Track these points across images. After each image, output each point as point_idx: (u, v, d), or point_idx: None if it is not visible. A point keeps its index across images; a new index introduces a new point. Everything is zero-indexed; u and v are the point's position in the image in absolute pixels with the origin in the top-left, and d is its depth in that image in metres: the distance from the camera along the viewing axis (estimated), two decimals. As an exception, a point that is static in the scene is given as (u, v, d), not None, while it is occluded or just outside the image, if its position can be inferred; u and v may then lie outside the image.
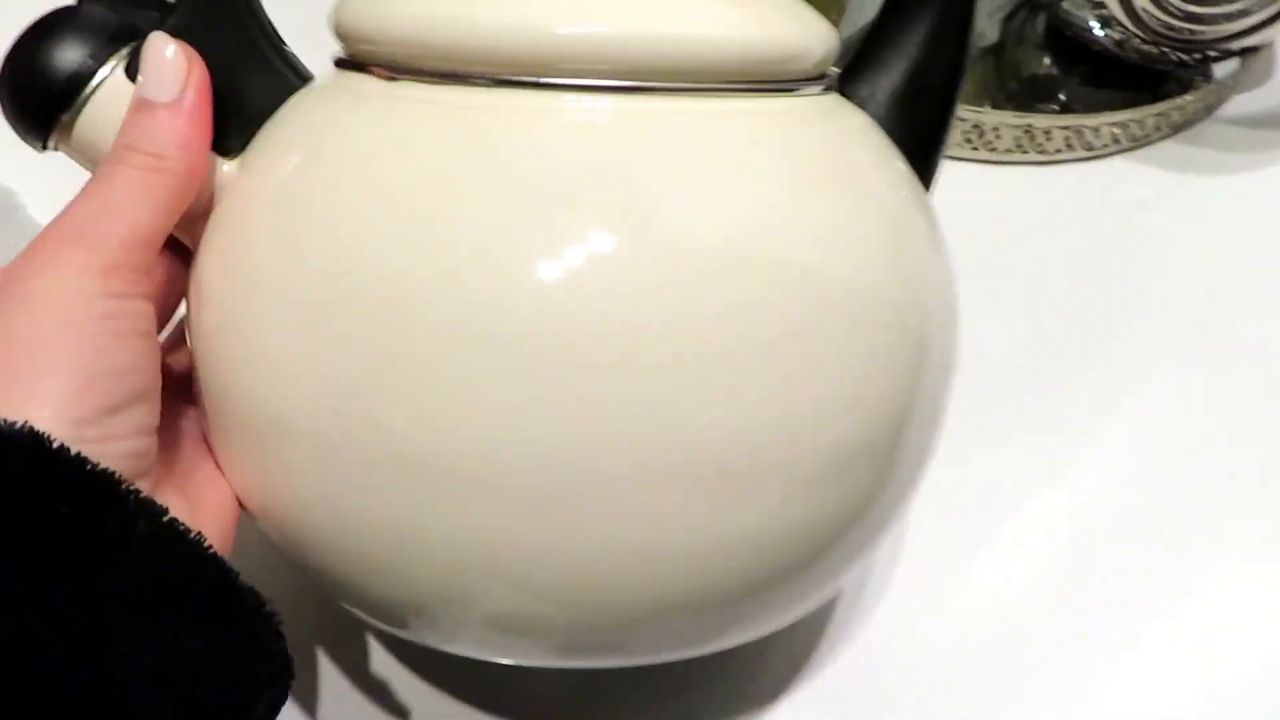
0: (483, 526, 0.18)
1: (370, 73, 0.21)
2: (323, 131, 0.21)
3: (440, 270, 0.18)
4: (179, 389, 0.22)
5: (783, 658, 0.29)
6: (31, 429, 0.17)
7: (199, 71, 0.21)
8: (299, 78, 0.23)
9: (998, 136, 0.41)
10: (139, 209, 0.20)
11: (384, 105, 0.20)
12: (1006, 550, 0.31)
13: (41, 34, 0.22)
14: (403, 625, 0.22)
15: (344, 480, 0.19)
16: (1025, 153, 0.42)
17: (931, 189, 0.25)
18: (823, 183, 0.20)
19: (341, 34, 0.22)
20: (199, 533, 0.18)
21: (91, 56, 0.21)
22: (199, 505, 0.21)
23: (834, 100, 0.23)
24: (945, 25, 0.24)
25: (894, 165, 0.23)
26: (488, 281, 0.18)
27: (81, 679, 0.16)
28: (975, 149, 0.42)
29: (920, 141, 0.24)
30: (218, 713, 0.18)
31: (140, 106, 0.21)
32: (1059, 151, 0.42)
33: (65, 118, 0.21)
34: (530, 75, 0.19)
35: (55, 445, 0.17)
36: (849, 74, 0.24)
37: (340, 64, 0.22)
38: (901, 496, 0.22)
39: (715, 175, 0.19)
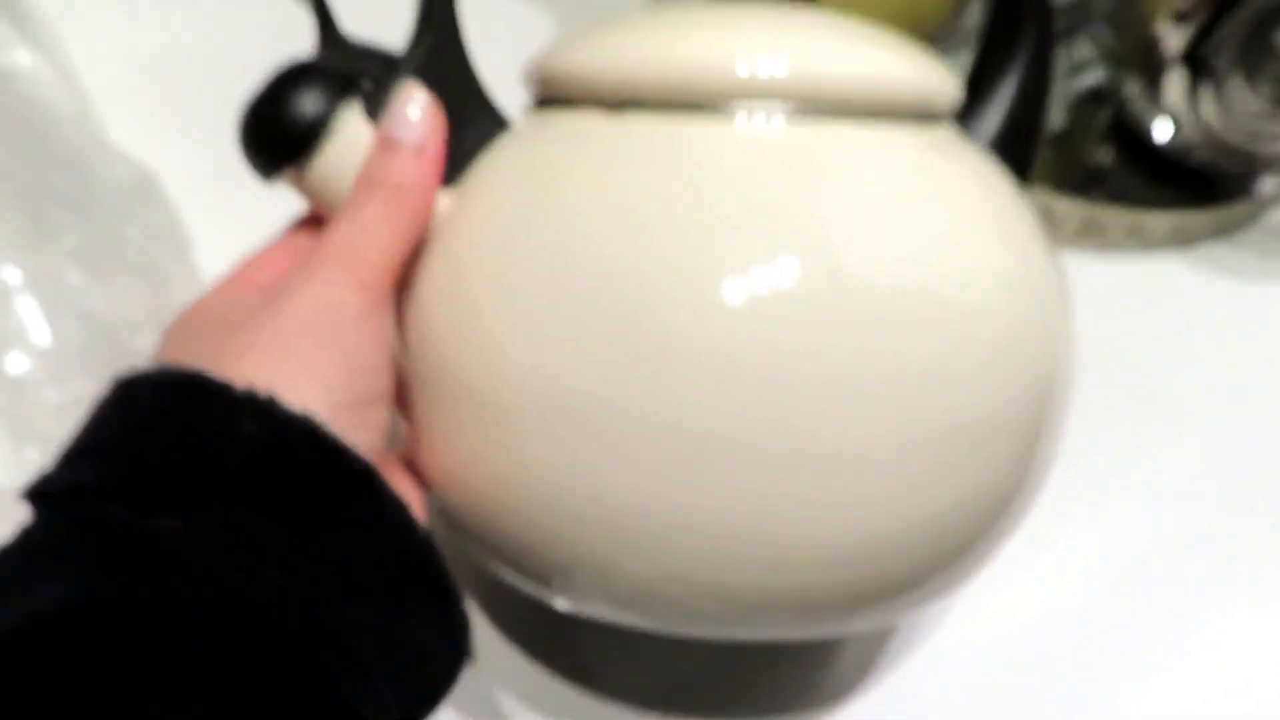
0: (688, 495, 0.21)
1: (583, 108, 0.24)
2: (551, 160, 0.23)
3: (655, 276, 0.21)
4: None
5: (851, 663, 0.32)
6: (311, 420, 0.19)
7: (440, 120, 0.24)
8: (500, 119, 0.26)
9: (1064, 222, 0.44)
10: (385, 236, 0.23)
11: (604, 137, 0.23)
12: (1041, 585, 0.34)
13: (286, 83, 0.24)
14: (568, 589, 0.24)
15: (566, 453, 0.21)
16: (1086, 239, 0.45)
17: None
18: (975, 206, 0.24)
19: (549, 77, 0.25)
20: (427, 528, 0.21)
21: (330, 104, 0.24)
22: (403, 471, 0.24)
23: (961, 134, 0.26)
24: (1032, 79, 0.28)
25: (1017, 193, 0.26)
26: (695, 286, 0.21)
27: (319, 637, 0.18)
28: (1040, 231, 0.44)
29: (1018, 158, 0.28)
30: (430, 681, 0.20)
31: (388, 146, 0.23)
32: (1117, 242, 0.45)
33: (303, 159, 0.24)
34: (721, 104, 0.23)
35: (330, 436, 0.20)
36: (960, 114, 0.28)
37: (545, 103, 0.25)
38: (1030, 499, 0.25)
39: (884, 195, 0.22)
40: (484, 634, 0.31)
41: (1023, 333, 0.23)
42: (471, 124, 0.25)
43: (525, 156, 0.24)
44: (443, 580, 0.21)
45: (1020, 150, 0.28)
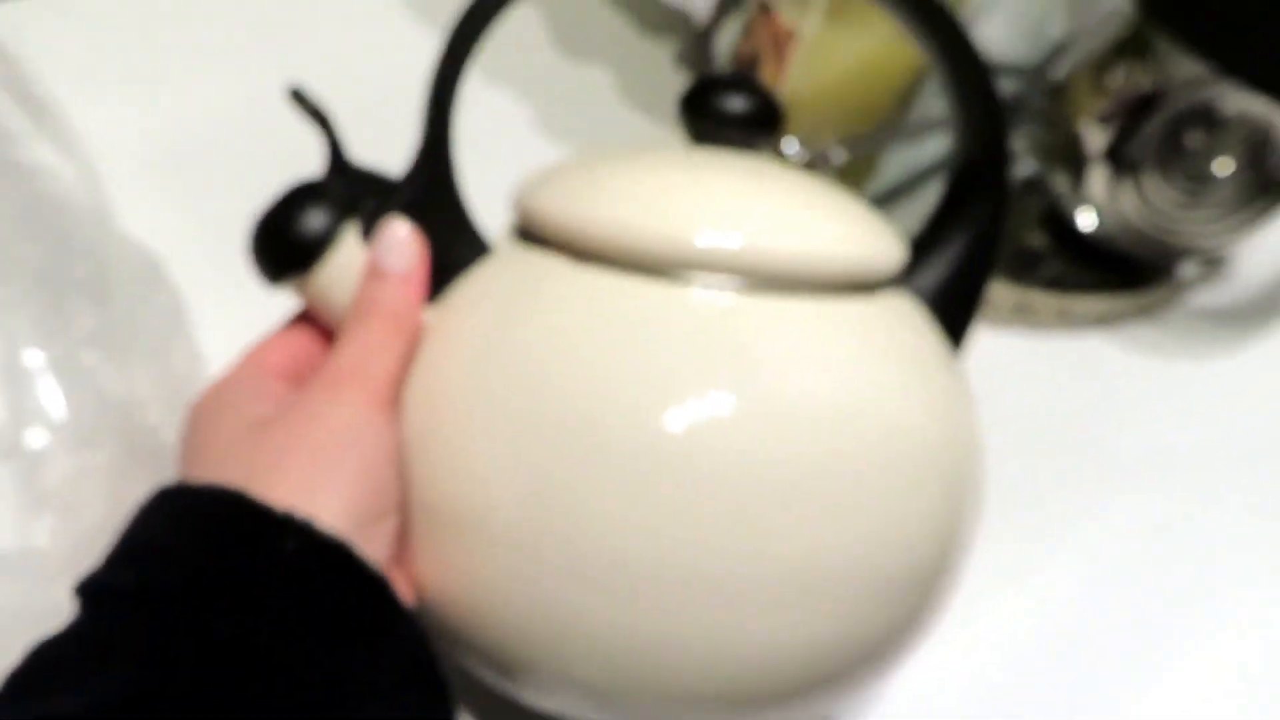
0: (627, 614, 0.24)
1: (553, 250, 0.27)
2: (518, 296, 0.26)
3: (605, 410, 0.24)
4: None
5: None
6: (344, 543, 0.22)
7: (424, 250, 0.27)
8: (483, 245, 0.29)
9: (997, 304, 0.48)
10: (388, 358, 0.25)
11: (567, 284, 0.26)
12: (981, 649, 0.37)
13: (295, 202, 0.27)
14: (530, 687, 0.26)
15: (524, 571, 0.24)
16: (1018, 320, 0.48)
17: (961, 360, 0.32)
18: (899, 364, 0.27)
19: (527, 213, 0.28)
20: (427, 633, 0.23)
21: (333, 224, 0.27)
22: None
23: (902, 295, 0.29)
24: (981, 242, 0.31)
25: (945, 348, 0.29)
26: (638, 421, 0.24)
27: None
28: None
29: (953, 322, 0.31)
30: None
31: (379, 274, 0.26)
32: (1047, 324, 0.49)
33: (306, 271, 0.27)
34: (676, 271, 0.25)
35: (358, 557, 0.22)
36: (908, 269, 0.30)
37: (523, 235, 0.28)
38: (941, 607, 0.28)
39: (815, 365, 0.25)
40: None
41: (934, 484, 0.26)
42: (455, 246, 0.28)
43: (497, 288, 0.27)
44: (440, 681, 0.24)
45: (959, 311, 0.31)
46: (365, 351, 0.25)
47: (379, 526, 0.24)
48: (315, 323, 0.28)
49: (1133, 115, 0.45)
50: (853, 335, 0.26)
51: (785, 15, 0.46)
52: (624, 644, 0.24)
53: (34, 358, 0.30)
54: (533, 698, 0.27)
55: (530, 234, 0.28)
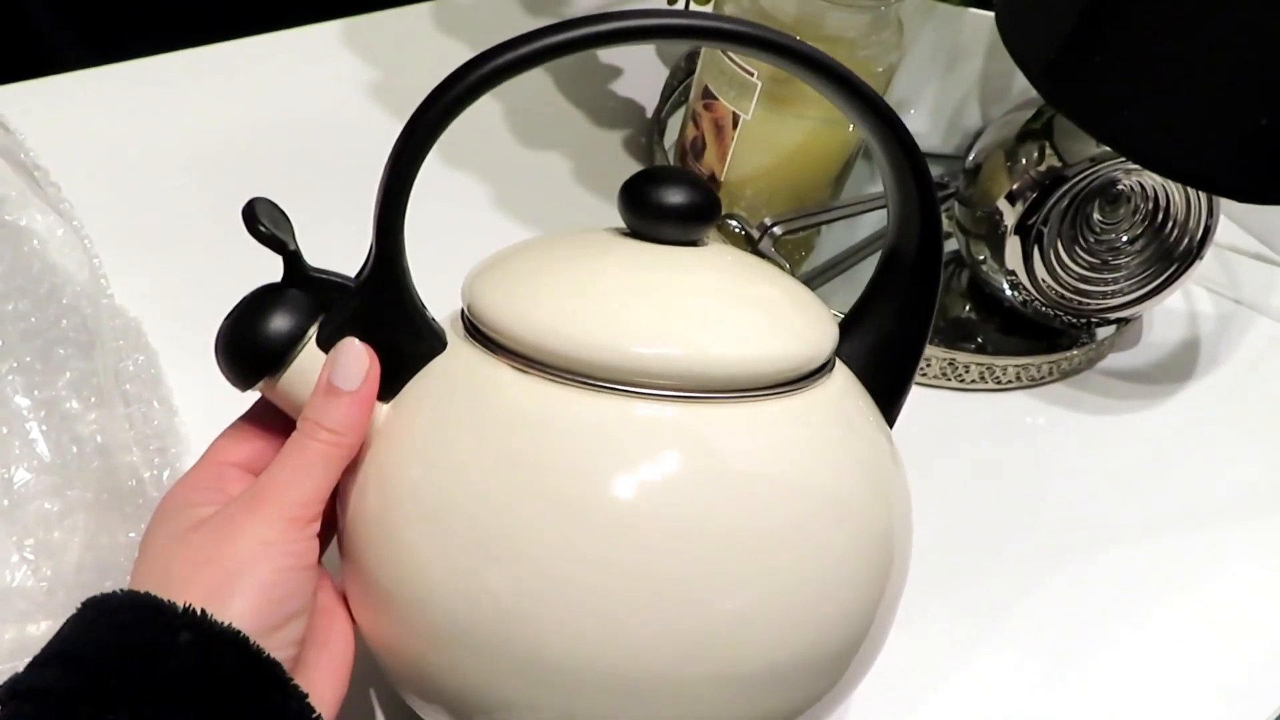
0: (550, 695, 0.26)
1: (498, 355, 0.28)
2: (464, 401, 0.28)
3: (544, 515, 0.26)
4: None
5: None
6: (236, 630, 0.25)
7: (374, 368, 0.28)
8: (438, 339, 0.29)
9: (928, 365, 0.51)
10: (317, 474, 0.27)
11: (510, 397, 0.27)
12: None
13: (258, 310, 0.28)
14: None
15: (458, 647, 0.27)
16: (948, 380, 0.52)
17: (894, 425, 0.34)
18: (831, 449, 0.29)
19: (476, 313, 0.29)
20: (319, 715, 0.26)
21: (297, 330, 0.28)
22: (327, 648, 0.29)
23: (833, 378, 0.31)
24: (912, 313, 0.34)
25: (874, 422, 0.32)
26: (580, 526, 0.26)
27: None
28: (909, 372, 0.51)
29: (888, 388, 0.34)
30: None
31: (328, 391, 0.28)
32: (974, 382, 0.52)
33: (275, 373, 0.28)
34: (616, 382, 0.27)
35: (249, 641, 0.25)
36: (842, 334, 0.33)
37: (471, 330, 0.29)
38: (865, 670, 0.31)
39: (748, 463, 0.27)
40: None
41: (872, 533, 0.29)
42: (409, 343, 0.29)
43: (444, 396, 0.28)
44: None
45: (893, 379, 0.34)
46: (294, 472, 0.27)
47: (286, 629, 0.26)
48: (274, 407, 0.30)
49: (1040, 192, 0.49)
50: (783, 434, 0.28)
51: (726, 103, 0.50)
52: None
53: (22, 402, 0.32)
54: None
55: (478, 331, 0.29)
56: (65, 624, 0.26)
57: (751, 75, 0.48)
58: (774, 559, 0.27)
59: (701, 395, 0.27)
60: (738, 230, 0.53)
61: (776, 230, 0.52)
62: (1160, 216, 0.50)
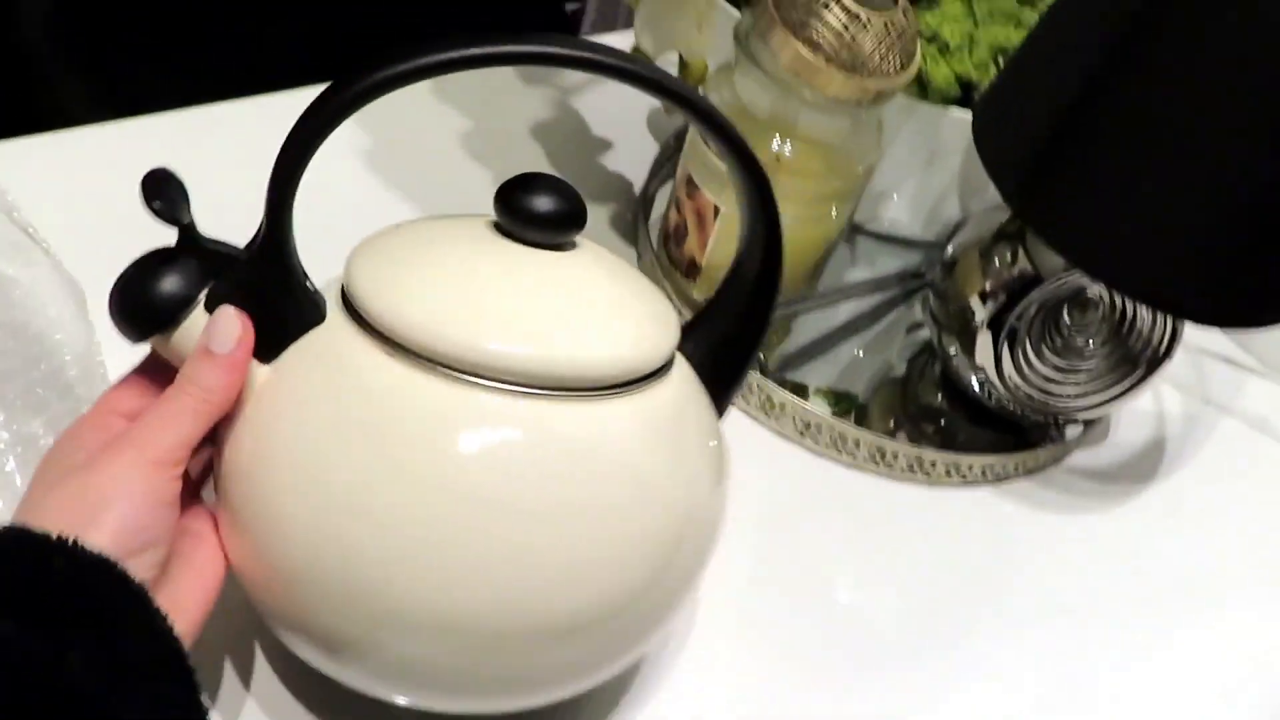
0: (386, 639, 0.32)
1: (369, 335, 0.31)
2: (333, 372, 0.32)
3: (391, 480, 0.30)
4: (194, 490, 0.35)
5: None
6: (102, 554, 0.28)
7: (248, 336, 0.31)
8: (317, 311, 0.33)
9: (895, 459, 0.52)
10: (184, 426, 0.31)
11: (373, 371, 0.31)
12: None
13: (153, 267, 0.31)
14: (329, 667, 0.34)
15: (313, 587, 0.31)
16: (915, 474, 0.53)
17: (724, 417, 0.39)
18: (647, 445, 0.33)
19: (354, 292, 0.32)
20: (178, 636, 0.29)
21: (189, 291, 0.31)
22: (194, 567, 0.32)
23: (671, 375, 0.35)
24: (751, 317, 0.38)
25: (700, 423, 0.36)
26: (419, 493, 0.30)
27: (101, 699, 0.27)
28: (878, 466, 0.52)
29: (724, 379, 0.38)
30: None
31: (203, 354, 0.31)
32: (941, 478, 0.53)
33: (168, 330, 0.31)
34: (468, 373, 0.31)
35: (112, 562, 0.28)
36: (686, 330, 0.37)
37: (347, 306, 0.32)
38: (655, 629, 0.35)
39: (571, 450, 0.32)
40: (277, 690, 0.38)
41: (685, 514, 0.34)
42: (290, 312, 0.32)
43: (320, 363, 0.32)
44: (189, 671, 0.29)
45: (729, 376, 0.38)
46: (162, 421, 0.31)
47: (144, 556, 0.30)
48: (161, 361, 0.33)
49: (1012, 293, 0.51)
50: (607, 430, 0.32)
51: (708, 193, 0.51)
52: (385, 655, 0.32)
53: (1, 436, 0.36)
54: (332, 672, 0.34)
55: (352, 309, 0.32)
56: None
57: (732, 170, 0.50)
58: (579, 531, 0.31)
59: (541, 391, 0.31)
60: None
61: (753, 319, 0.53)
62: (1126, 325, 0.52)
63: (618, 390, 0.33)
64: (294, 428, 0.31)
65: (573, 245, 0.35)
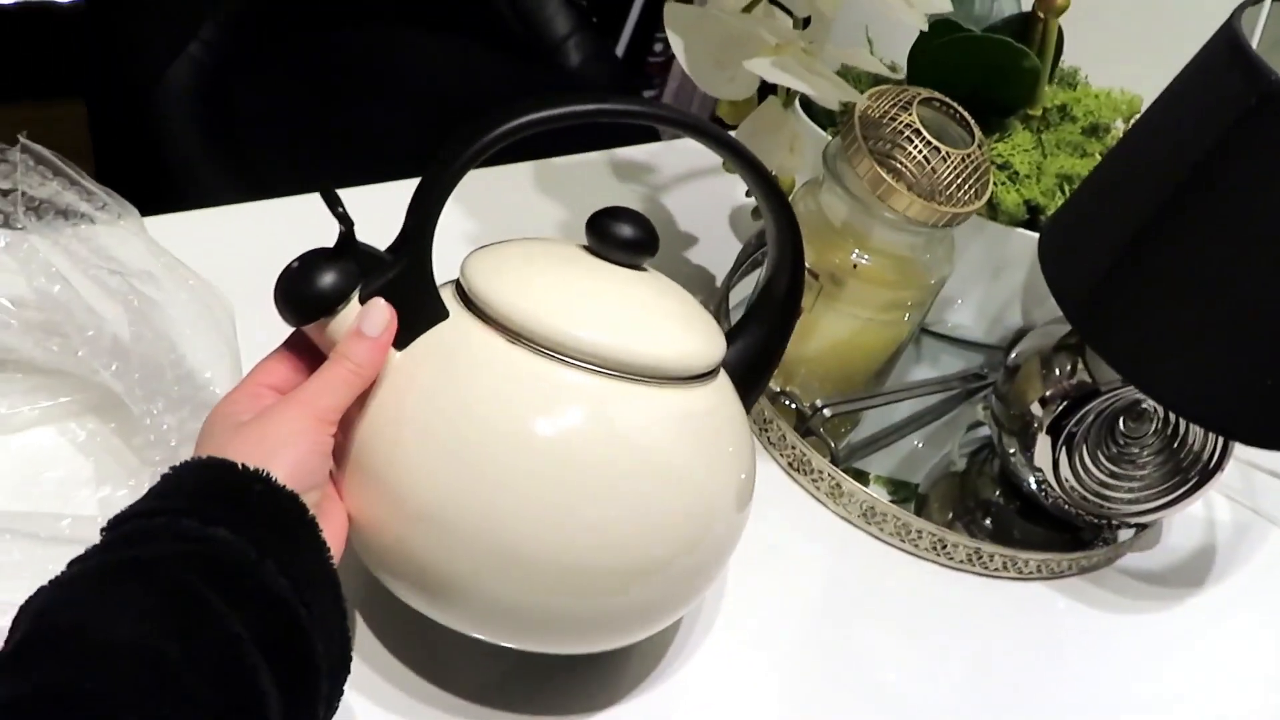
0: (504, 566, 0.38)
1: (486, 323, 0.39)
2: (458, 359, 0.39)
3: (496, 439, 0.37)
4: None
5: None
6: (290, 489, 0.35)
7: (393, 324, 0.38)
8: (443, 309, 0.39)
9: (955, 550, 0.56)
10: (340, 391, 0.37)
11: (491, 356, 0.38)
12: None
13: (317, 264, 0.38)
14: (429, 605, 0.40)
15: (429, 527, 0.38)
16: (973, 565, 0.56)
17: (750, 412, 0.46)
18: (689, 432, 0.40)
19: (473, 290, 0.39)
20: (334, 567, 0.36)
21: (348, 287, 0.38)
22: (330, 520, 0.38)
23: (716, 381, 0.42)
24: (776, 331, 0.47)
25: (732, 421, 0.42)
26: (516, 450, 0.37)
27: (291, 594, 0.33)
28: (938, 555, 0.56)
29: (752, 382, 0.46)
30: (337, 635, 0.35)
31: (358, 335, 0.37)
32: (998, 570, 0.56)
33: (325, 320, 0.38)
34: (562, 354, 0.38)
35: (298, 497, 0.35)
36: (728, 342, 0.44)
37: (466, 301, 0.40)
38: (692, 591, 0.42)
39: (630, 425, 0.39)
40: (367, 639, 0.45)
41: (709, 501, 0.40)
42: (423, 308, 0.39)
43: (448, 349, 0.39)
44: (339, 591, 0.36)
45: (755, 378, 0.46)
46: (323, 386, 0.37)
47: (309, 495, 0.36)
48: (305, 343, 0.39)
49: (1071, 401, 0.54)
50: (659, 413, 0.39)
51: (789, 294, 0.56)
52: (496, 590, 0.38)
53: (184, 453, 0.42)
54: (436, 613, 0.40)
55: (473, 306, 0.40)
56: (151, 487, 0.34)
57: (816, 278, 0.54)
58: (637, 487, 0.38)
59: (617, 374, 0.39)
60: (790, 406, 0.58)
61: (826, 412, 0.57)
62: (1178, 438, 0.55)
63: (676, 382, 0.40)
64: (425, 401, 0.38)
65: (645, 269, 0.43)
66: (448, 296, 0.40)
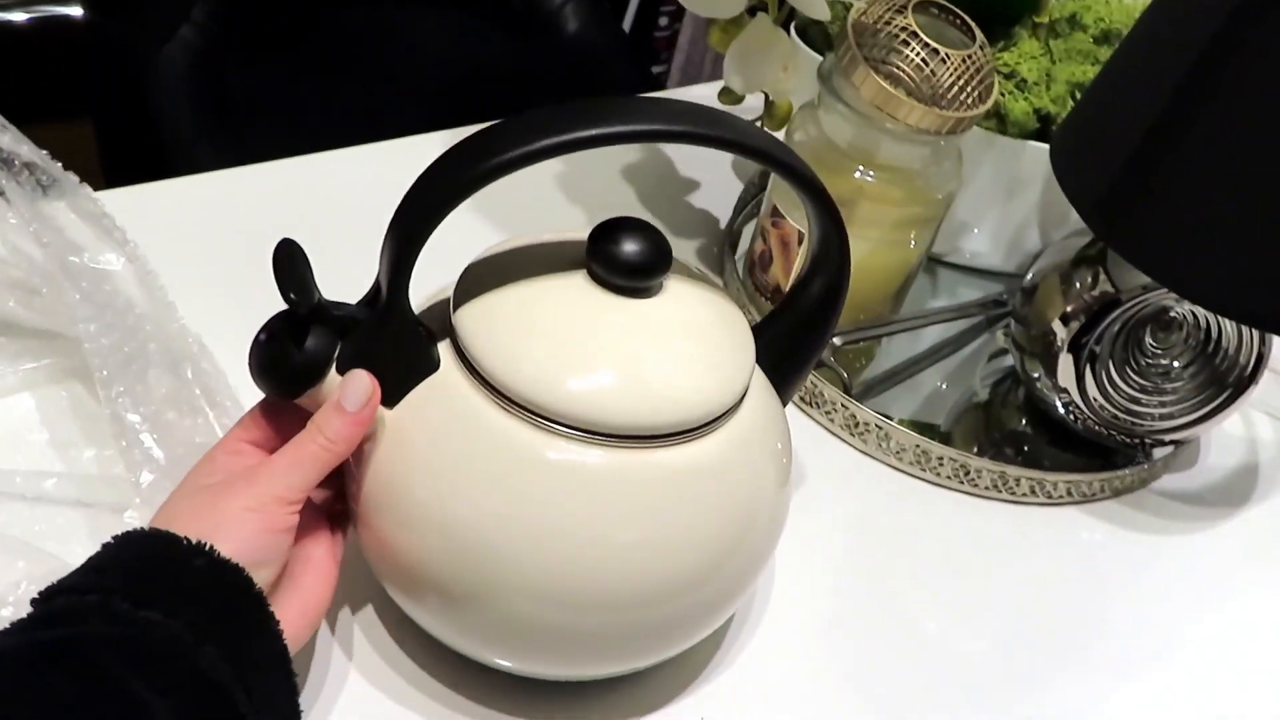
0: (518, 612, 0.36)
1: (477, 383, 0.36)
2: (450, 421, 0.36)
3: (503, 509, 0.35)
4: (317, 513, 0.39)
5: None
6: (235, 562, 0.33)
7: (376, 397, 0.36)
8: (432, 363, 0.36)
9: (980, 476, 0.53)
10: (308, 470, 0.35)
11: (482, 425, 0.35)
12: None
13: (290, 335, 0.35)
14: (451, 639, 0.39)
15: (438, 583, 0.36)
16: (999, 492, 0.53)
17: (787, 404, 0.43)
18: (740, 459, 0.38)
19: (464, 343, 0.36)
20: (284, 644, 0.34)
21: (325, 359, 0.35)
22: (299, 591, 0.36)
23: (752, 389, 0.39)
24: (819, 317, 0.43)
25: (778, 429, 0.40)
26: (528, 522, 0.35)
27: (231, 683, 0.31)
28: (961, 484, 0.53)
29: (794, 368, 0.43)
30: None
31: (335, 408, 0.35)
32: (1025, 495, 0.54)
33: (308, 390, 0.36)
34: (560, 424, 0.35)
35: (243, 571, 0.33)
36: (756, 332, 0.40)
37: (458, 354, 0.36)
38: (732, 593, 0.40)
39: (646, 503, 0.36)
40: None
41: (753, 521, 0.38)
42: (409, 366, 0.36)
43: (439, 408, 0.36)
44: (291, 675, 0.34)
45: (796, 369, 0.43)
46: (288, 464, 0.35)
47: (258, 572, 0.34)
48: (274, 406, 0.38)
49: (1093, 315, 0.52)
50: (698, 465, 0.36)
51: (793, 222, 0.54)
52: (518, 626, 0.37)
53: (133, 419, 0.41)
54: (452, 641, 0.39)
55: (462, 357, 0.36)
56: (94, 554, 0.33)
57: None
58: (662, 546, 0.36)
59: (624, 441, 0.35)
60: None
61: (837, 340, 0.55)
62: (1212, 345, 0.52)
63: (703, 429, 0.36)
64: (418, 464, 0.36)
65: (660, 287, 0.38)
66: (443, 347, 0.37)
